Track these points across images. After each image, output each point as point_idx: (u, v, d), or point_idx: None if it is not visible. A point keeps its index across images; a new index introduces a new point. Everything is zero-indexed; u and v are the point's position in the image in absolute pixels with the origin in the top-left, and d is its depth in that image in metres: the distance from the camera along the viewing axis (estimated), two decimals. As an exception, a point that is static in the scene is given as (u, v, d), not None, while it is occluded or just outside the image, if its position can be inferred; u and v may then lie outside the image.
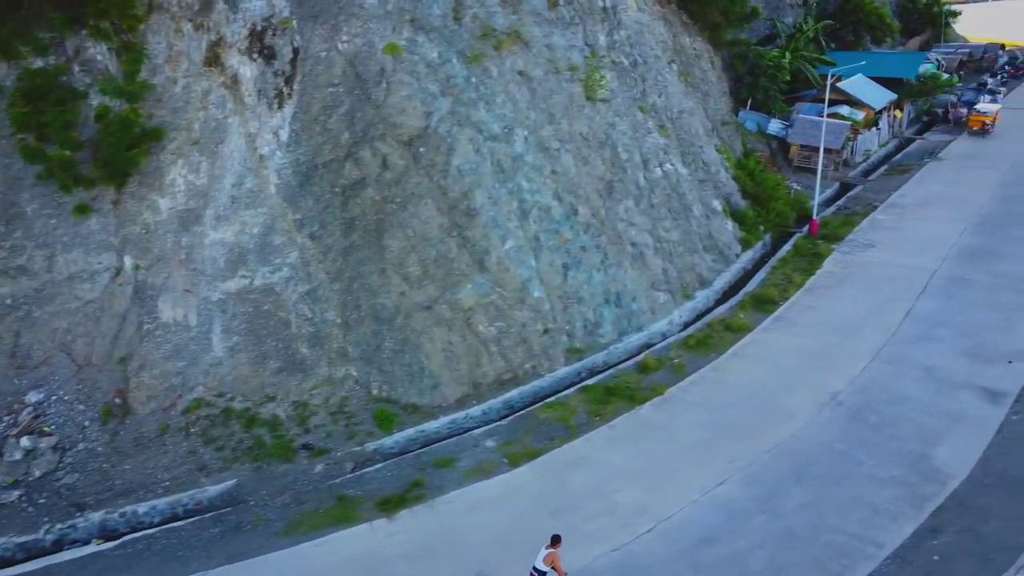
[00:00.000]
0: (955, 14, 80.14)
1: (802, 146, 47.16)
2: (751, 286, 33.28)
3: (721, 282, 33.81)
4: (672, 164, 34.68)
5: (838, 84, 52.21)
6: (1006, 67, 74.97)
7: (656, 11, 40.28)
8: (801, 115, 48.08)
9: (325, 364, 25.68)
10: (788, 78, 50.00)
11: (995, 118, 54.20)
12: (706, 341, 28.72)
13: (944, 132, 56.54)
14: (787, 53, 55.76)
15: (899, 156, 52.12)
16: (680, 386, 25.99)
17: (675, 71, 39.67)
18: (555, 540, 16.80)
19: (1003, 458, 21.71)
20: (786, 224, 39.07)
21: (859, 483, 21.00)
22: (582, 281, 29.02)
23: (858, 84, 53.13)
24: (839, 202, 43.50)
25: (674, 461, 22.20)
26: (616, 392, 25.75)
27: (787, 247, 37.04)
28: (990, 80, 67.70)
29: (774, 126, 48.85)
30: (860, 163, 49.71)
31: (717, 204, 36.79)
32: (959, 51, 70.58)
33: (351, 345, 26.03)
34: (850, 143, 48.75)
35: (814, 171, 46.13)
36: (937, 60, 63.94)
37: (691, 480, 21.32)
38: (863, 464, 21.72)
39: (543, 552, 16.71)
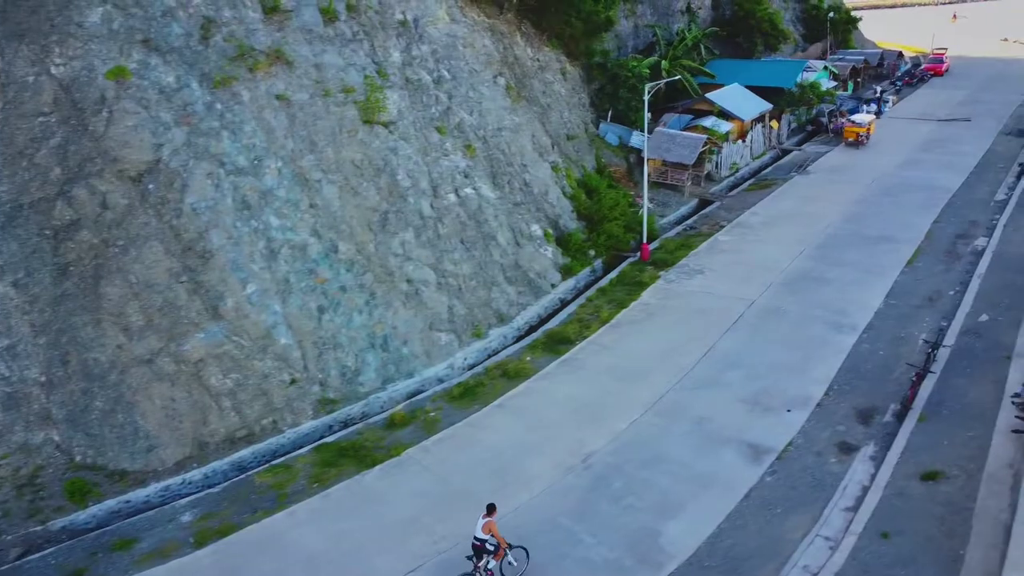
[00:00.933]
0: (855, 20, 78.56)
1: (664, 161, 44.96)
2: (554, 322, 30.89)
3: (526, 317, 31.43)
4: (474, 188, 32.23)
5: (708, 95, 50.33)
6: (909, 73, 73.59)
7: (480, 22, 37.82)
8: (658, 128, 45.88)
9: (21, 429, 22.83)
10: (650, 90, 47.68)
11: (868, 129, 52.40)
12: (475, 390, 26.25)
13: (823, 143, 54.72)
14: (664, 62, 53.89)
15: (769, 169, 50.13)
16: (422, 445, 23.49)
17: (501, 85, 37.24)
18: (491, 508, 17.70)
19: (736, 532, 19.48)
20: (621, 248, 36.76)
21: (566, 570, 18.61)
22: (340, 324, 26.46)
23: (729, 94, 51.14)
24: (689, 221, 41.29)
25: (373, 542, 19.69)
26: (350, 452, 23.23)
27: (612, 275, 34.72)
28: (879, 88, 66.06)
29: (636, 139, 46.66)
30: (726, 177, 47.61)
31: (536, 229, 34.42)
32: (847, 58, 68.85)
33: (55, 406, 23.22)
34: (714, 156, 46.66)
35: (672, 187, 44.17)
36: (826, 68, 62.12)
37: (379, 567, 18.82)
38: (581, 544, 19.35)
39: (481, 521, 17.54)
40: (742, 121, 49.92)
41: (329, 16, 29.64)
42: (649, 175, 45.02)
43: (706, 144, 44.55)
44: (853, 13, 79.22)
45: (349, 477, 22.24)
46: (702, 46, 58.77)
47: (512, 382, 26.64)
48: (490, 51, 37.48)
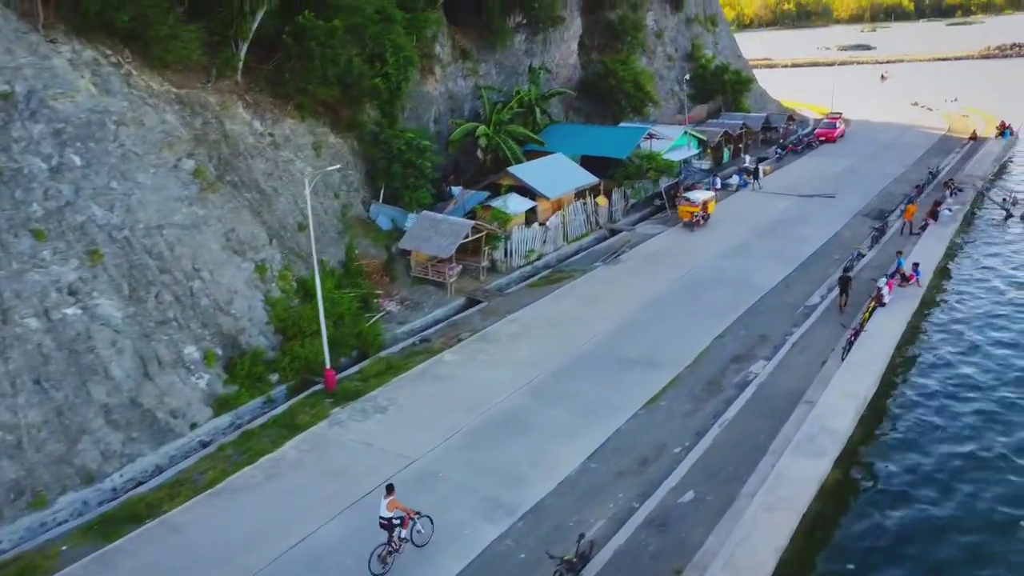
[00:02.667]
0: (748, 81, 72.81)
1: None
2: (151, 483, 24.18)
3: (134, 471, 24.82)
4: (84, 307, 25.75)
5: (512, 168, 44.22)
6: (797, 140, 67.77)
7: (163, 92, 31.66)
8: (425, 212, 39.54)
9: None
10: (431, 164, 41.61)
11: (701, 208, 46.03)
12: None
13: (661, 223, 48.43)
14: (482, 127, 48.03)
15: (579, 256, 43.72)
16: None
17: (186, 170, 30.95)
18: (390, 489, 19.62)
19: None
20: (314, 372, 30.10)
21: None
22: None
23: (539, 167, 44.95)
24: (426, 332, 34.49)
25: None
26: None
27: (276, 411, 28.01)
28: (748, 157, 60.07)
29: (411, 222, 40.32)
30: (520, 267, 41.17)
31: (193, 352, 27.95)
32: (724, 122, 62.98)
33: None
34: (500, 242, 40.24)
35: (435, 284, 37.78)
36: (687, 133, 56.13)
37: None
38: None
39: (384, 502, 19.24)
40: (548, 199, 43.62)
41: None
42: (412, 268, 38.70)
43: (478, 230, 38.12)
44: (745, 73, 73.53)
45: None
46: (537, 109, 52.89)
47: (18, 586, 19.88)
48: (172, 128, 31.24)
